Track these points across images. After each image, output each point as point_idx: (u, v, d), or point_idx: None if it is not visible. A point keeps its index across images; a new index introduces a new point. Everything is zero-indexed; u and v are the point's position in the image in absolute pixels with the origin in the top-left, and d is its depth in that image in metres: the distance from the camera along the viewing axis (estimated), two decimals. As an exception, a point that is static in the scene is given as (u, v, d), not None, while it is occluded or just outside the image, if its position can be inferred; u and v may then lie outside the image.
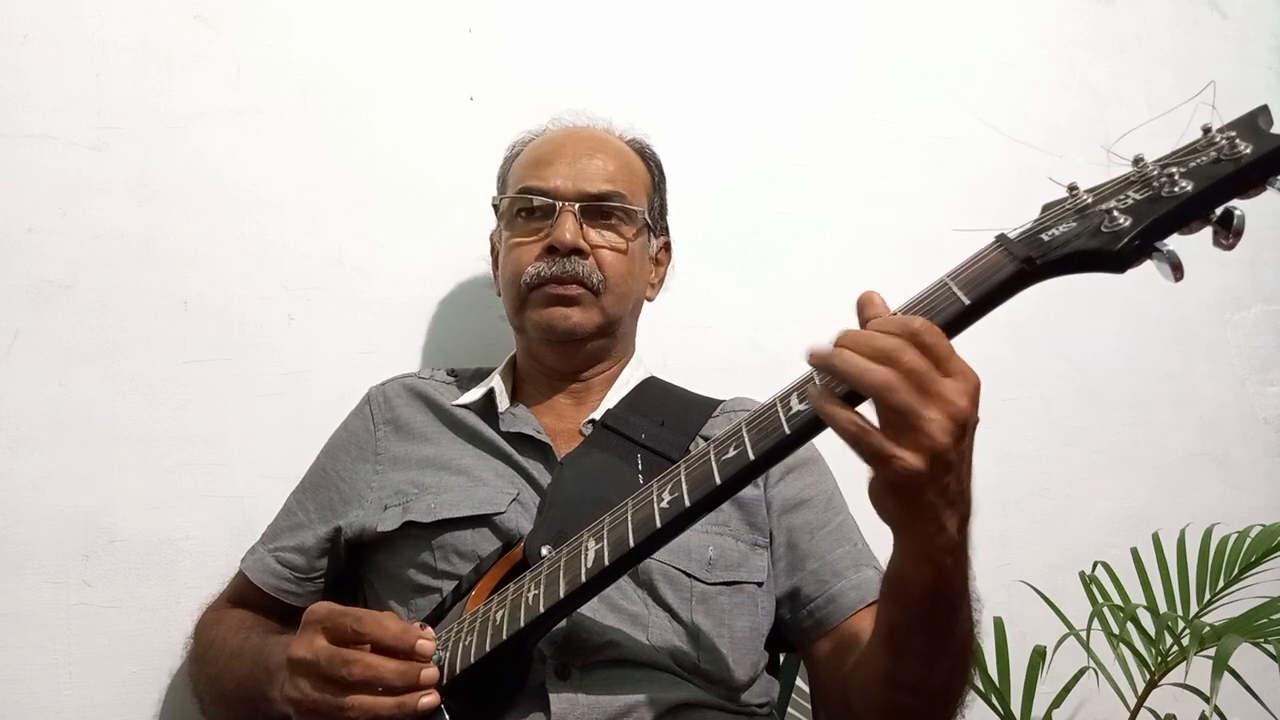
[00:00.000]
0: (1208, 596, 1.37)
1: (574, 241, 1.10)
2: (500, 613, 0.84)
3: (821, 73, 1.67)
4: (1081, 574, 1.43)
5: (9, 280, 1.17)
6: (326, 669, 0.80)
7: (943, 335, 0.69)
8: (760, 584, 1.04)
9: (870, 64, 1.70)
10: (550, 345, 1.14)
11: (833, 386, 0.70)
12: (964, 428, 0.69)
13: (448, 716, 0.82)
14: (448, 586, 0.98)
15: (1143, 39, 1.89)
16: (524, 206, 1.14)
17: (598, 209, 1.13)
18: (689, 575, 1.00)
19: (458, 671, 0.84)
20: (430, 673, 0.81)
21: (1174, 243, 0.67)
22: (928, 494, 0.69)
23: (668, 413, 1.12)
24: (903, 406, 0.66)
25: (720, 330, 1.52)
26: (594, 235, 1.12)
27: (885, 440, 0.67)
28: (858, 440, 0.68)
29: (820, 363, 0.70)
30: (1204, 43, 1.94)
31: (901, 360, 0.67)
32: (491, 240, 1.26)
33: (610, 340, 1.17)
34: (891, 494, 0.71)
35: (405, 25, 1.41)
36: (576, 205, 1.11)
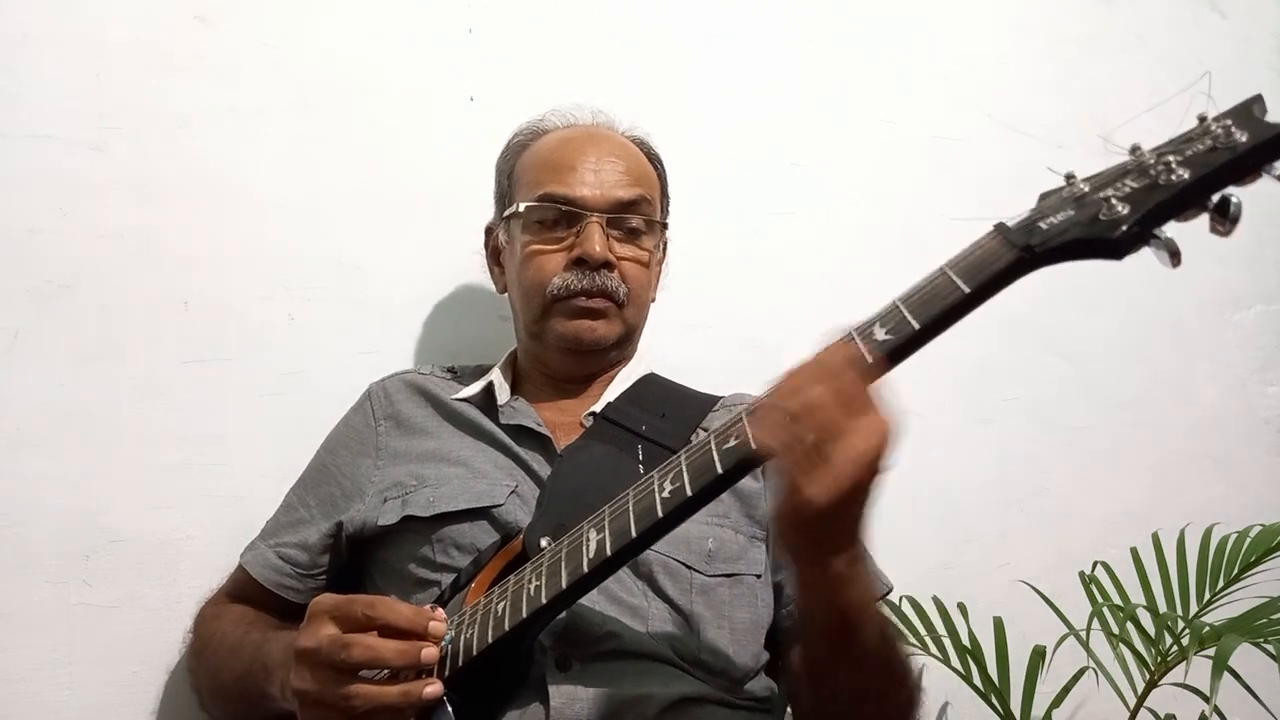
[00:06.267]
0: (1208, 596, 1.36)
1: (604, 255, 1.10)
2: (502, 604, 0.84)
3: (822, 72, 1.67)
4: (1081, 574, 1.43)
5: (9, 280, 1.17)
6: (328, 655, 0.80)
7: (851, 375, 0.72)
8: (759, 576, 1.05)
9: (870, 63, 1.71)
10: (569, 355, 1.14)
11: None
12: (876, 466, 0.71)
13: (450, 708, 0.82)
14: (447, 580, 0.98)
15: (1143, 39, 1.90)
16: (547, 215, 1.13)
17: (621, 220, 1.13)
18: (688, 567, 1.00)
19: (460, 663, 0.84)
20: (431, 652, 0.80)
21: (1175, 236, 0.66)
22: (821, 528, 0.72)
23: (668, 406, 1.13)
24: (828, 425, 0.69)
25: (720, 330, 1.52)
26: (619, 247, 1.13)
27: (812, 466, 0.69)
28: (789, 453, 0.70)
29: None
30: (1204, 43, 1.94)
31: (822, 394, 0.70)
32: (492, 236, 1.24)
33: (626, 348, 1.18)
34: (793, 523, 0.73)
35: (405, 25, 1.41)
36: (604, 216, 1.11)
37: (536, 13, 1.49)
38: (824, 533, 0.72)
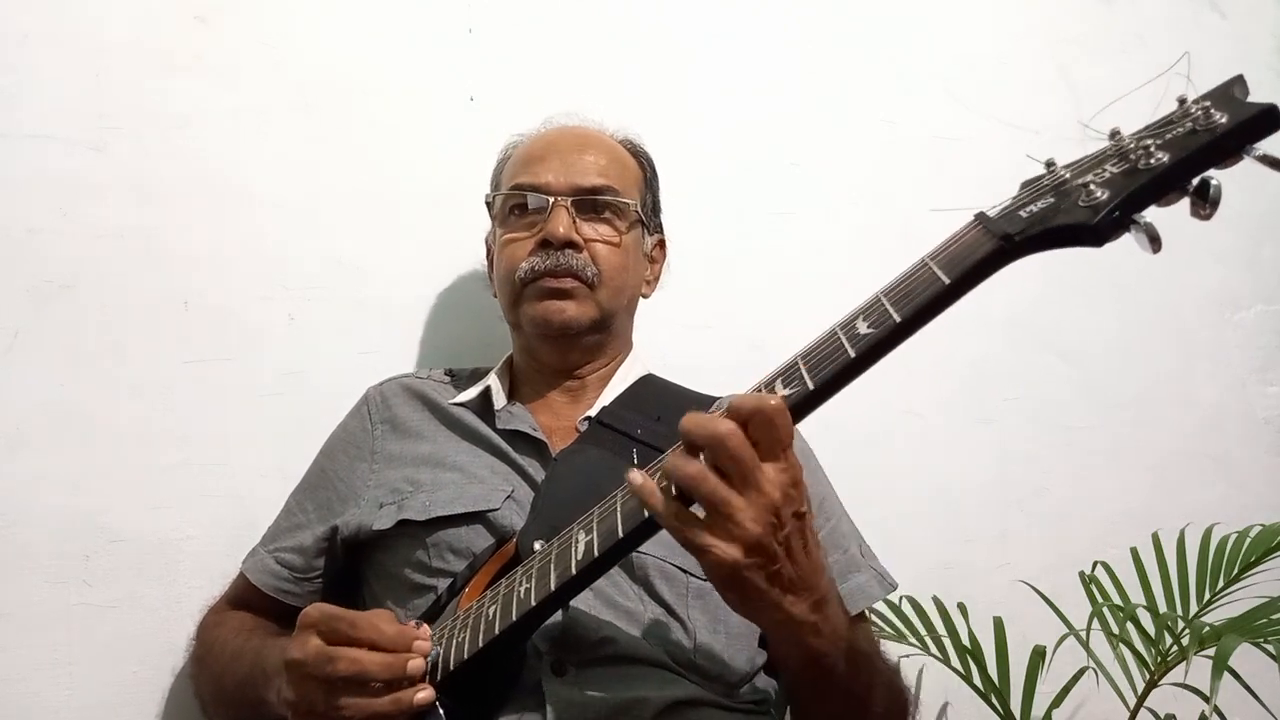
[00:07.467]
0: (1208, 596, 1.36)
1: (567, 235, 1.10)
2: (493, 608, 0.84)
3: (822, 72, 1.67)
4: (1081, 574, 1.43)
5: (9, 280, 1.17)
6: (314, 668, 0.80)
7: (786, 420, 0.70)
8: None
9: (870, 63, 1.70)
10: (546, 340, 1.15)
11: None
12: (778, 517, 0.70)
13: (443, 713, 0.82)
14: (443, 584, 0.98)
15: (1143, 39, 1.89)
16: (517, 203, 1.15)
17: (590, 203, 1.14)
18: (684, 571, 1.00)
19: (452, 668, 0.84)
20: (417, 664, 0.81)
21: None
22: (756, 582, 0.71)
23: (664, 409, 1.12)
24: (711, 497, 0.69)
25: (720, 330, 1.52)
26: (587, 229, 1.13)
27: (701, 531, 0.69)
28: (677, 531, 0.71)
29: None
30: (1204, 43, 1.93)
31: (719, 451, 0.69)
32: (487, 242, 1.26)
33: (606, 335, 1.17)
34: (719, 583, 0.73)
35: (405, 25, 1.41)
36: (569, 199, 1.12)
37: (536, 13, 1.49)
38: (760, 585, 0.71)
